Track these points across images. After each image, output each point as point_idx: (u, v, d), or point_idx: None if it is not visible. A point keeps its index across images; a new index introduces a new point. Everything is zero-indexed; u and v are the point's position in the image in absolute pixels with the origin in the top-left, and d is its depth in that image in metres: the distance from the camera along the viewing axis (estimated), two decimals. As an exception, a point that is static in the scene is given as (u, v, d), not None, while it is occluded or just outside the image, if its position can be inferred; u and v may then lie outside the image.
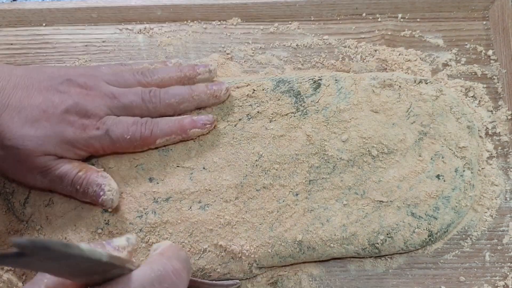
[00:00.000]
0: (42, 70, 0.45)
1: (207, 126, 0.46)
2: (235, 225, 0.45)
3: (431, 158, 0.48)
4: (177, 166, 0.46)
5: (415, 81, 0.51)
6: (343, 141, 0.47)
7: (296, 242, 0.45)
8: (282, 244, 0.45)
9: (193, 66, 0.48)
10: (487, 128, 0.52)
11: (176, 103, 0.46)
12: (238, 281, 0.46)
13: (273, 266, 0.46)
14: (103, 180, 0.43)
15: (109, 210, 0.44)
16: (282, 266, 0.46)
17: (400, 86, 0.50)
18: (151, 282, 0.29)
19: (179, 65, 0.49)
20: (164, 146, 0.46)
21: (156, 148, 0.46)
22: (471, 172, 0.48)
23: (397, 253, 0.47)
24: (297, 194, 0.46)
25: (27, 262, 0.23)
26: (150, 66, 0.49)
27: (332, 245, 0.45)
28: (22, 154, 0.42)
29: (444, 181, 0.47)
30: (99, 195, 0.43)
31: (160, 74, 0.48)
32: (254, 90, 0.49)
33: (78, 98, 0.43)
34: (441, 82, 0.53)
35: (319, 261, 0.47)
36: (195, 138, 0.47)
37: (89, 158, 0.46)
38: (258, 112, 0.48)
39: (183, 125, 0.46)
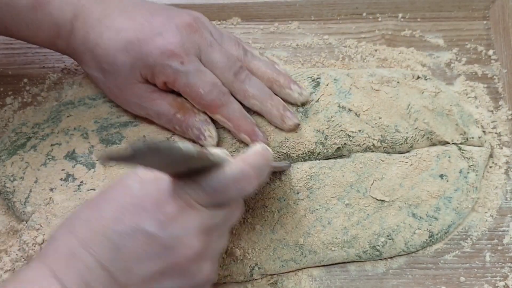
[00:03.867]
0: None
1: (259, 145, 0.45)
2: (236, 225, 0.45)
3: (437, 156, 0.48)
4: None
5: (413, 77, 0.51)
6: (344, 142, 0.47)
7: (298, 245, 0.45)
8: (284, 247, 0.45)
9: (289, 79, 0.47)
10: (487, 127, 0.52)
11: (250, 96, 0.45)
12: (289, 162, 0.46)
13: (275, 274, 0.46)
14: (202, 124, 0.44)
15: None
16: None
17: (398, 82, 0.50)
18: (227, 182, 0.34)
19: (273, 64, 0.48)
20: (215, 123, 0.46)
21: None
22: (476, 175, 0.48)
23: (398, 255, 0.47)
24: (298, 192, 0.46)
25: (137, 160, 0.28)
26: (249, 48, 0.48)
27: (333, 248, 0.45)
28: (118, 80, 0.44)
29: (447, 181, 0.47)
30: (199, 138, 0.45)
31: (258, 62, 0.47)
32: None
33: (178, 27, 0.43)
34: (440, 80, 0.53)
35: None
36: None
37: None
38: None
39: (247, 128, 0.45)
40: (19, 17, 0.44)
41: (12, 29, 0.45)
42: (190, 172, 0.33)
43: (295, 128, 0.46)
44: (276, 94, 0.47)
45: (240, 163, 0.34)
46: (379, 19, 0.56)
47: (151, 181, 0.34)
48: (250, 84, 0.45)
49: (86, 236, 0.33)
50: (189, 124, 0.45)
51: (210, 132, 0.45)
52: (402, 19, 0.57)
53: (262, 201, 0.45)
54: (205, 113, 0.45)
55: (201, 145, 0.45)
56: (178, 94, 0.45)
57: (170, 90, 0.45)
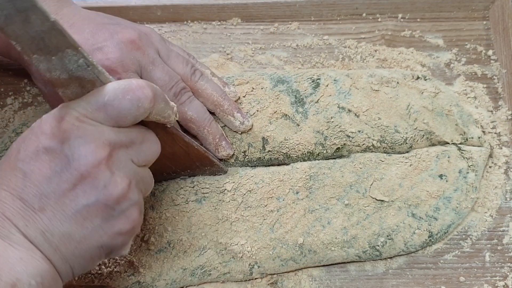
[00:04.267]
0: (102, 14, 0.46)
1: (221, 152, 0.46)
2: (234, 221, 0.45)
3: (437, 157, 0.48)
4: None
5: (413, 77, 0.51)
6: (344, 143, 0.47)
7: (297, 245, 0.45)
8: (283, 246, 0.45)
9: (234, 105, 0.47)
10: (486, 127, 0.52)
11: (188, 119, 0.45)
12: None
13: (275, 274, 0.46)
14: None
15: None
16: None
17: (398, 83, 0.50)
18: (115, 94, 0.34)
19: (223, 87, 0.48)
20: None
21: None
22: (475, 175, 0.48)
23: (397, 255, 0.47)
24: (297, 192, 0.46)
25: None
26: (202, 68, 0.48)
27: (333, 248, 0.45)
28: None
29: (446, 181, 0.47)
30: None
31: (206, 84, 0.46)
32: (253, 89, 0.49)
33: (119, 43, 0.43)
34: (439, 80, 0.53)
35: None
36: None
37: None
38: (257, 110, 0.48)
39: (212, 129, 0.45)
40: None
41: None
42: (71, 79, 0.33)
43: (228, 157, 0.47)
44: (220, 119, 0.47)
45: (129, 79, 0.35)
46: (379, 20, 0.56)
47: (46, 113, 0.35)
48: (190, 107, 0.45)
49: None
50: None
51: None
52: (402, 20, 0.57)
53: (261, 200, 0.46)
54: None
55: None
56: None
57: None
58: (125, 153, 0.36)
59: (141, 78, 0.43)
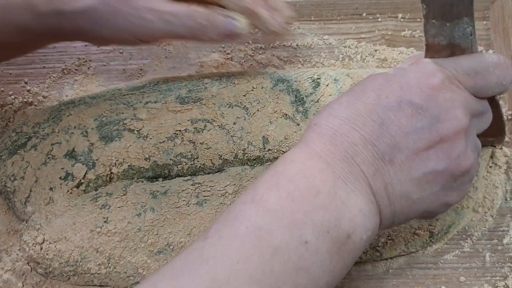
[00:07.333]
0: None
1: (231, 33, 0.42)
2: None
3: None
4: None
5: None
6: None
7: None
8: None
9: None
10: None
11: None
12: None
13: None
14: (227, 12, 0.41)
15: None
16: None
17: None
18: (487, 65, 0.34)
19: None
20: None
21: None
22: (475, 175, 0.48)
23: (398, 255, 0.47)
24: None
25: None
26: None
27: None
28: None
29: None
30: (230, 24, 0.41)
31: None
32: (254, 88, 0.49)
33: None
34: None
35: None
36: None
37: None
38: (257, 110, 0.48)
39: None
40: None
41: None
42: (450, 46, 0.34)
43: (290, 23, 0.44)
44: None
45: (499, 55, 0.35)
46: (379, 20, 0.56)
47: (406, 65, 0.35)
48: None
49: (348, 115, 0.33)
50: (215, 13, 0.41)
51: (237, 15, 0.41)
52: (402, 20, 0.57)
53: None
54: None
55: (231, 36, 0.42)
56: None
57: None
58: (475, 124, 0.35)
59: None
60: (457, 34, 0.33)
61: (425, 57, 0.36)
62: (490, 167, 0.50)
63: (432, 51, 0.35)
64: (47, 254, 0.44)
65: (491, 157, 0.50)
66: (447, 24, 0.33)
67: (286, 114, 0.48)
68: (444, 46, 0.34)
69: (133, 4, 0.39)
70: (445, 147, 0.33)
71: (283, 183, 0.32)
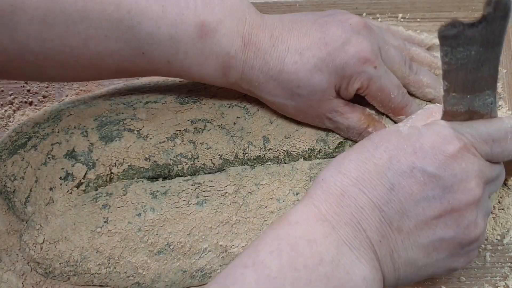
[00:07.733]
0: (303, 13, 0.44)
1: None
2: (234, 224, 0.45)
3: None
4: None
5: None
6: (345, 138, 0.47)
7: None
8: None
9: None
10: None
11: (425, 85, 0.44)
12: None
13: None
14: None
15: None
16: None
17: None
18: (505, 132, 0.33)
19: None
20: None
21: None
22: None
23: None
24: (297, 193, 0.46)
25: (479, 34, 0.27)
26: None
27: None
28: (312, 100, 0.42)
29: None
30: None
31: (416, 48, 0.47)
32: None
33: (356, 31, 0.41)
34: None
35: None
36: None
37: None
38: (257, 110, 0.48)
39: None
40: (181, 50, 0.40)
41: (171, 64, 0.41)
42: (468, 112, 0.33)
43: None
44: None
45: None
46: (379, 19, 0.56)
47: (422, 125, 0.34)
48: (422, 73, 0.45)
49: (358, 175, 0.32)
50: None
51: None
52: (402, 20, 0.57)
53: (262, 201, 0.45)
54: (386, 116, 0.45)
55: None
56: (364, 104, 0.45)
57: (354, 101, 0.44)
58: (488, 190, 0.35)
59: (382, 58, 0.42)
60: (478, 103, 0.32)
61: (442, 118, 0.35)
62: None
63: (449, 115, 0.34)
64: (47, 254, 0.44)
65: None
66: (468, 96, 0.32)
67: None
68: (462, 113, 0.33)
69: (316, 114, 0.44)
70: (455, 216, 0.32)
71: (286, 250, 0.31)
